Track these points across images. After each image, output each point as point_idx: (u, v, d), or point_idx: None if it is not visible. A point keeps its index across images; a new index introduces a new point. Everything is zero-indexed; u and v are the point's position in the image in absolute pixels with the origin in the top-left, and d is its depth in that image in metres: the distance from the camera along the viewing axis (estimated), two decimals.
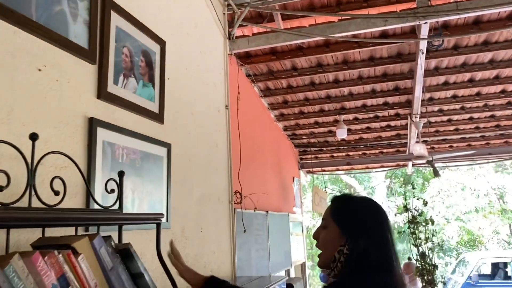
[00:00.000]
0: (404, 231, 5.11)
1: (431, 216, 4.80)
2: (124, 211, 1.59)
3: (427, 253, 4.43)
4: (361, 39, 3.91)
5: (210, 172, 2.70)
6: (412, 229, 4.57)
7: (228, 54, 3.34)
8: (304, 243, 6.82)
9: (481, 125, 6.11)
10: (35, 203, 1.15)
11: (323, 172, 8.08)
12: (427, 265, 4.36)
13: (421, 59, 4.03)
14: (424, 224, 4.56)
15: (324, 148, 7.12)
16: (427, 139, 6.23)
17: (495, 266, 8.81)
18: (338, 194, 1.37)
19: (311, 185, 9.03)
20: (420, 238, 4.51)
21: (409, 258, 5.51)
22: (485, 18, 3.67)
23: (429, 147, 6.15)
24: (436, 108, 5.56)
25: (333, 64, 4.52)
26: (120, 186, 1.49)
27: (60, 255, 0.95)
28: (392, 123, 6.14)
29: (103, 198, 1.56)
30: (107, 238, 1.18)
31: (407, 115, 5.68)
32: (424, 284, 4.40)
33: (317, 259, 1.27)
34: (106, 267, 1.09)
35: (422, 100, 5.05)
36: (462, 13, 3.16)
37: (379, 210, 1.26)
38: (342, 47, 4.07)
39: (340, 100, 5.36)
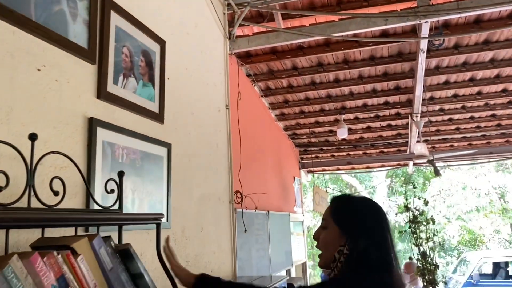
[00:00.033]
0: (405, 231, 5.09)
1: (432, 216, 4.78)
2: (124, 211, 1.58)
3: (428, 253, 4.42)
4: (362, 38, 3.90)
5: (210, 172, 2.70)
6: (413, 229, 4.55)
7: (228, 54, 3.34)
8: (305, 243, 6.82)
9: (482, 124, 6.10)
10: (35, 204, 1.15)
11: (324, 172, 8.07)
12: (428, 265, 4.35)
13: (422, 58, 4.02)
14: (425, 223, 4.55)
15: (325, 148, 7.12)
16: (428, 138, 6.23)
17: (496, 265, 8.78)
18: (338, 194, 1.37)
19: (311, 185, 9.03)
20: (421, 238, 4.49)
21: (410, 258, 5.51)
22: (486, 17, 3.66)
23: (430, 146, 6.14)
24: (437, 107, 5.55)
25: (334, 63, 4.52)
26: (120, 186, 1.49)
27: (59, 255, 0.95)
28: (393, 123, 6.13)
29: (103, 198, 1.56)
30: (107, 239, 1.18)
31: (408, 115, 5.68)
32: (425, 283, 4.39)
33: (317, 259, 1.28)
34: (105, 267, 1.08)
35: (423, 100, 5.04)
36: (463, 12, 3.15)
37: (378, 210, 1.27)
38: (343, 46, 4.06)
39: (340, 100, 5.35)
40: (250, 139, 4.23)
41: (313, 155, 7.29)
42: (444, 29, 3.73)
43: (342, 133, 5.68)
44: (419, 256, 4.47)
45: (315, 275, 13.07)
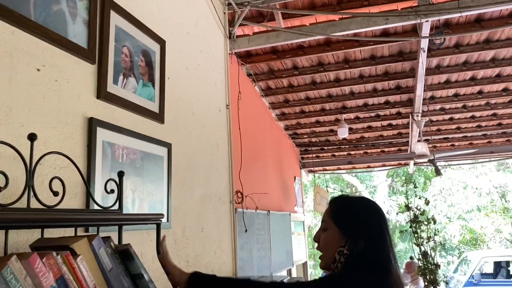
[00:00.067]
0: (406, 230, 5.09)
1: (433, 215, 4.77)
2: (125, 211, 1.58)
3: (429, 252, 4.41)
4: (362, 37, 3.89)
5: (211, 171, 2.70)
6: (414, 228, 4.55)
7: (229, 54, 3.33)
8: (306, 243, 6.81)
9: (483, 124, 6.10)
10: (34, 204, 1.15)
11: (325, 172, 8.06)
12: (429, 264, 4.34)
13: (423, 57, 4.02)
14: (426, 223, 4.54)
15: (326, 147, 7.11)
16: (429, 137, 6.22)
17: (497, 265, 8.77)
18: (336, 195, 1.37)
19: (312, 184, 9.02)
20: (422, 237, 4.49)
21: (411, 257, 5.50)
22: (487, 16, 3.66)
23: (430, 146, 6.14)
24: (437, 106, 5.54)
25: (334, 63, 4.51)
26: (120, 186, 1.49)
27: (59, 256, 0.94)
28: (394, 122, 6.12)
29: (103, 198, 1.56)
30: (107, 239, 1.17)
31: (409, 114, 5.67)
32: (426, 283, 4.39)
33: (318, 260, 1.28)
34: (105, 268, 1.08)
35: (424, 99, 5.03)
36: (464, 11, 3.14)
37: (377, 209, 1.28)
38: (343, 46, 4.05)
39: (341, 99, 5.35)
40: (250, 139, 4.23)
41: (313, 155, 7.28)
42: (445, 28, 3.72)
43: (343, 132, 5.67)
44: (420, 255, 4.46)
45: (316, 275, 13.06)
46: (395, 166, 8.31)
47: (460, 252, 14.07)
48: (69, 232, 1.37)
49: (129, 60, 1.87)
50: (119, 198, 1.48)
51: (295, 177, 6.69)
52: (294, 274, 5.76)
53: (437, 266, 4.37)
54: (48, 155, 1.26)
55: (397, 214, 12.22)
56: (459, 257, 11.86)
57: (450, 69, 4.58)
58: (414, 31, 3.82)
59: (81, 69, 1.58)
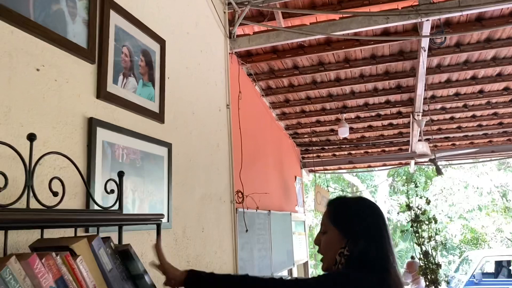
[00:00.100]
0: (407, 230, 5.08)
1: (434, 215, 4.76)
2: (125, 211, 1.57)
3: (430, 252, 4.40)
4: (363, 37, 3.89)
5: (211, 171, 2.69)
6: (415, 228, 4.54)
7: (229, 53, 3.33)
8: (307, 242, 6.81)
9: (484, 123, 6.09)
10: (34, 204, 1.14)
11: (325, 171, 8.06)
12: (430, 264, 4.33)
13: (423, 56, 4.01)
14: (427, 222, 4.53)
15: (326, 147, 7.10)
16: (430, 137, 6.21)
17: (498, 264, 8.76)
18: (333, 197, 1.38)
19: (313, 184, 9.01)
20: (423, 237, 4.48)
21: (412, 257, 5.49)
22: (488, 15, 3.65)
23: (431, 145, 6.12)
24: (438, 106, 5.53)
25: (335, 62, 4.50)
26: (119, 186, 1.48)
27: (58, 257, 0.94)
28: (394, 122, 6.12)
29: (103, 198, 1.55)
30: (106, 239, 1.17)
31: (409, 113, 5.66)
32: (427, 283, 4.38)
33: (320, 261, 1.28)
34: (105, 268, 1.07)
35: (424, 98, 5.02)
36: (464, 10, 3.13)
37: (375, 209, 1.29)
38: (344, 45, 4.04)
39: (341, 99, 5.34)
40: (251, 138, 4.22)
41: (314, 155, 7.27)
42: (446, 27, 3.71)
43: (343, 132, 5.66)
44: (421, 255, 4.45)
45: (317, 274, 13.06)
46: (396, 166, 8.30)
47: (461, 251, 14.07)
48: (69, 232, 1.36)
49: (129, 59, 1.87)
50: (119, 198, 1.47)
51: (295, 177, 6.69)
52: (295, 274, 5.75)
53: (438, 265, 4.36)
54: (48, 155, 1.26)
55: (398, 213, 12.22)
56: (460, 257, 11.85)
57: (450, 68, 4.57)
58: (415, 30, 3.81)
59: (81, 69, 1.57)
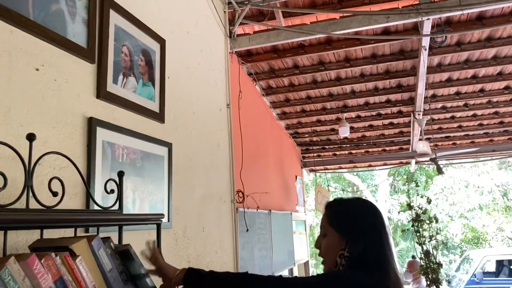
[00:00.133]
0: (408, 229, 5.08)
1: (435, 214, 4.76)
2: (125, 211, 1.57)
3: (431, 252, 4.40)
4: (363, 36, 3.88)
5: (212, 171, 2.69)
6: (416, 227, 4.53)
7: (229, 53, 3.32)
8: (307, 242, 6.80)
9: (485, 122, 6.08)
10: (33, 205, 1.14)
11: (326, 171, 8.05)
12: (431, 264, 4.33)
13: (424, 55, 4.00)
14: (428, 222, 4.53)
15: (327, 147, 7.10)
16: (430, 136, 6.20)
17: (499, 263, 8.75)
18: (331, 200, 1.38)
19: (313, 184, 9.01)
20: (424, 236, 4.47)
21: (413, 256, 5.48)
22: (488, 14, 3.64)
23: (432, 144, 6.11)
24: (439, 105, 5.52)
25: (335, 61, 4.50)
26: (120, 186, 1.48)
27: (58, 257, 0.93)
28: (395, 121, 6.11)
29: (103, 198, 1.55)
30: (106, 239, 1.16)
31: (410, 113, 5.65)
32: (428, 282, 4.37)
33: (321, 264, 1.29)
34: (105, 269, 1.07)
35: (425, 97, 5.02)
36: (465, 9, 3.12)
37: (373, 209, 1.30)
38: (344, 44, 4.04)
39: (342, 98, 5.33)
40: (251, 138, 4.22)
41: (315, 154, 7.27)
42: (446, 26, 3.70)
43: (344, 131, 5.66)
44: (422, 254, 4.44)
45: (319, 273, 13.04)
46: (396, 165, 8.29)
47: (462, 251, 14.06)
48: (69, 232, 1.36)
49: (129, 59, 1.87)
50: (119, 198, 1.47)
51: (296, 177, 6.68)
52: (296, 274, 5.75)
53: (439, 265, 4.35)
54: (48, 155, 1.26)
55: (398, 213, 12.20)
56: (461, 256, 11.84)
57: (451, 67, 4.56)
58: (415, 29, 3.80)
59: (81, 69, 1.57)
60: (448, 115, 5.83)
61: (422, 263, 4.45)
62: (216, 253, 2.60)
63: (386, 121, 6.13)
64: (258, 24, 3.68)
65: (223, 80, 3.10)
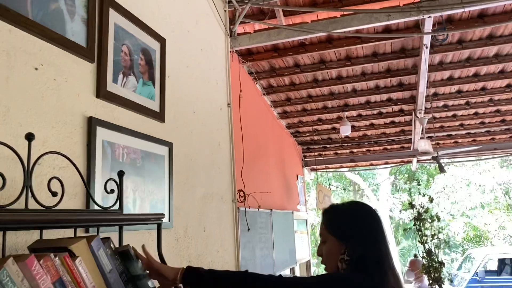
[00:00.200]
0: (409, 228, 5.07)
1: (437, 213, 4.75)
2: (126, 211, 1.56)
3: (433, 250, 4.38)
4: (364, 34, 3.86)
5: (212, 170, 2.68)
6: (418, 226, 4.52)
7: (230, 52, 3.31)
8: (309, 241, 6.79)
9: (486, 120, 6.06)
10: (33, 205, 1.13)
11: (327, 170, 8.04)
12: (433, 263, 4.32)
13: (425, 54, 3.98)
14: (430, 220, 4.52)
15: (328, 145, 7.08)
16: (432, 135, 6.18)
17: (501, 262, 8.73)
18: (326, 206, 1.39)
19: (315, 183, 8.99)
20: (426, 235, 4.46)
21: (415, 255, 5.47)
22: (490, 12, 3.62)
23: (433, 143, 6.09)
24: (440, 103, 5.51)
25: (336, 60, 4.48)
26: (120, 186, 1.47)
27: (57, 258, 0.92)
28: (396, 119, 6.09)
29: (103, 198, 1.54)
30: (106, 240, 1.15)
31: (412, 111, 5.63)
32: (430, 281, 4.36)
33: (324, 270, 1.30)
34: (104, 269, 1.06)
35: (427, 96, 5.00)
36: (467, 7, 3.11)
37: (369, 211, 1.31)
38: (345, 43, 4.02)
39: (343, 97, 5.32)
40: (252, 137, 4.21)
41: (316, 153, 7.26)
42: (448, 24, 3.69)
43: (345, 130, 5.64)
44: (424, 253, 4.43)
45: (320, 273, 13.05)
46: (398, 164, 8.27)
47: (464, 249, 14.04)
48: (69, 233, 1.35)
49: (128, 58, 1.86)
50: (119, 198, 1.46)
51: (297, 176, 6.67)
52: (297, 273, 5.74)
53: (441, 264, 4.35)
54: (47, 155, 1.25)
55: (400, 211, 12.19)
56: (463, 255, 11.82)
57: (453, 65, 4.54)
58: (417, 27, 3.79)
59: (80, 68, 1.56)
60: (450, 113, 5.82)
61: (424, 262, 4.44)
62: (217, 253, 2.60)
63: (388, 120, 6.12)
64: (258, 23, 3.67)
65: (224, 79, 3.09)
